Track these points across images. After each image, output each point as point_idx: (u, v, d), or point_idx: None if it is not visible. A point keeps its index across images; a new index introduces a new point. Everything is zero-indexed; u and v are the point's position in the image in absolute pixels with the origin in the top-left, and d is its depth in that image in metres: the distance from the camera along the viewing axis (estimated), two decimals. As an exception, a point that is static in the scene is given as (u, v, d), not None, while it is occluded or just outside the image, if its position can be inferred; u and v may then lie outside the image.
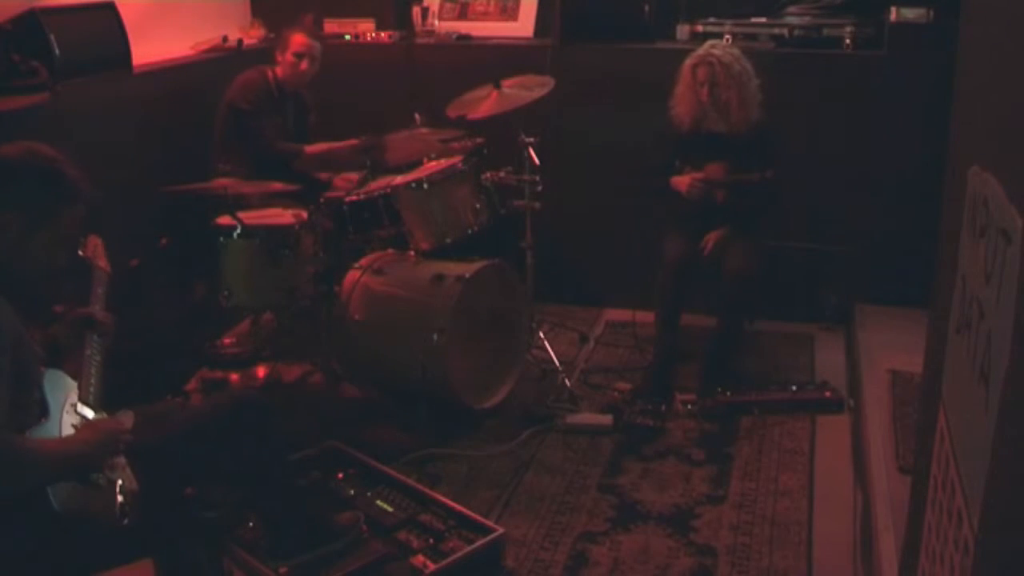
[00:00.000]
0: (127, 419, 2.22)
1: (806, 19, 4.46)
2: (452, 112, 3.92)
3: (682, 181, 3.89)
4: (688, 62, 3.91)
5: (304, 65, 4.15)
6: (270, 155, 4.08)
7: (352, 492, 2.99)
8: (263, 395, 3.53)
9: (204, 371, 3.97)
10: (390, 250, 3.91)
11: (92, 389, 2.24)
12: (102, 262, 2.53)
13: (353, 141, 4.06)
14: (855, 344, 4.12)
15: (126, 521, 2.07)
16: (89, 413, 2.20)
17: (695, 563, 2.82)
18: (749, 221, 3.89)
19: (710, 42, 3.98)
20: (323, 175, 4.28)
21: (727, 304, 3.91)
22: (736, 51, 3.92)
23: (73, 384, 2.22)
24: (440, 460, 3.39)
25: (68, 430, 2.12)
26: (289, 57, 4.15)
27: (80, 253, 2.50)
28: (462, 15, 5.05)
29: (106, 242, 2.64)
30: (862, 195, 4.29)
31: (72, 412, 2.16)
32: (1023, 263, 1.09)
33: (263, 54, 4.34)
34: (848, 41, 4.29)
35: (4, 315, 2.02)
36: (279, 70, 4.19)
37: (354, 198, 3.73)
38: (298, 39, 4.14)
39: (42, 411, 2.10)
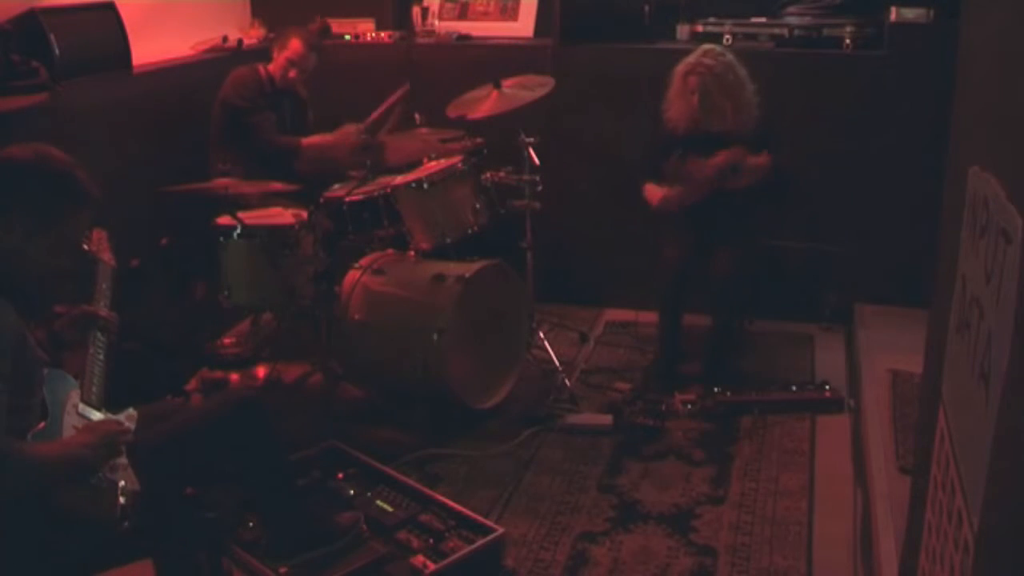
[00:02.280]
0: (130, 420, 2.21)
1: (806, 19, 4.46)
2: (452, 112, 3.92)
3: (654, 195, 3.84)
4: (680, 68, 3.84)
5: (292, 73, 4.19)
6: (268, 150, 4.08)
7: (352, 492, 2.99)
8: (263, 395, 3.54)
9: (204, 371, 3.98)
10: (390, 250, 3.91)
11: (95, 389, 2.23)
12: (106, 256, 2.51)
13: (349, 127, 4.07)
14: (855, 344, 4.12)
15: (126, 523, 2.07)
16: (92, 414, 2.19)
17: (695, 563, 2.82)
18: (744, 224, 3.87)
19: (704, 48, 3.91)
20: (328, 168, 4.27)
21: (717, 305, 3.92)
22: (729, 57, 3.85)
23: (75, 384, 2.22)
24: (440, 460, 3.39)
25: (69, 431, 2.11)
26: (281, 60, 4.18)
27: (84, 247, 2.49)
28: (462, 15, 5.05)
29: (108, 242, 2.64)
30: (862, 195, 4.29)
31: (74, 413, 2.15)
32: (1023, 263, 1.09)
33: (263, 54, 4.34)
34: (848, 41, 4.29)
35: (4, 318, 2.02)
36: (271, 66, 4.20)
37: (354, 198, 3.73)
38: (295, 46, 4.15)
39: (43, 413, 2.10)
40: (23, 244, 2.07)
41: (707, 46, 3.94)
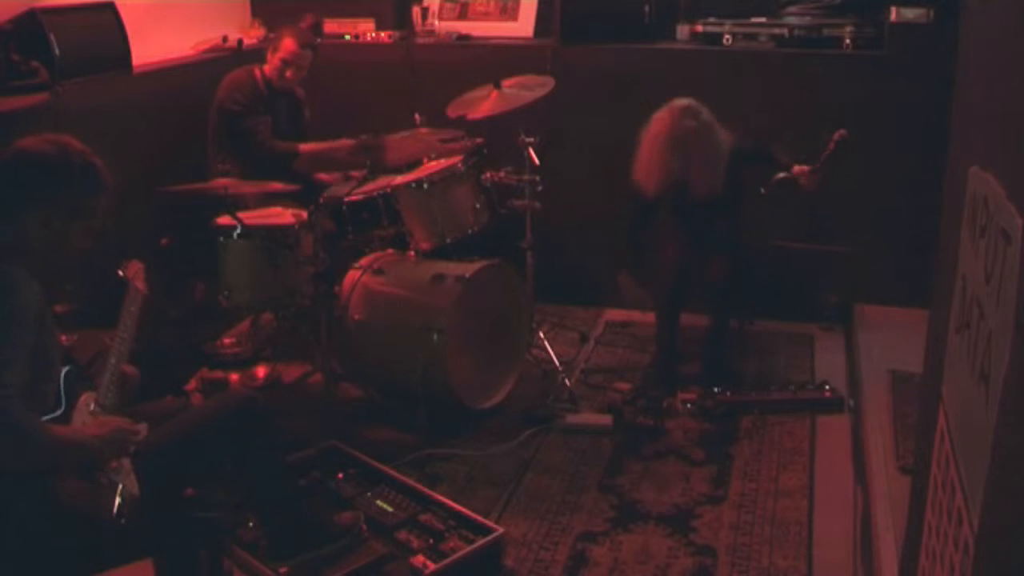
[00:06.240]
0: (143, 429, 2.22)
1: (806, 19, 4.47)
2: (452, 112, 3.92)
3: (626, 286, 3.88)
4: (655, 128, 3.68)
5: (289, 73, 4.16)
6: (263, 154, 4.07)
7: (352, 492, 2.99)
8: (263, 395, 3.54)
9: (204, 371, 3.98)
10: (390, 250, 3.91)
11: (110, 395, 2.25)
12: (140, 284, 2.57)
13: (347, 141, 4.07)
14: (855, 344, 4.12)
15: (123, 521, 2.08)
16: (105, 417, 2.20)
17: (695, 563, 2.82)
18: (731, 229, 3.88)
19: (679, 105, 3.68)
20: (322, 175, 4.27)
21: (713, 304, 3.93)
22: (706, 115, 3.67)
23: (92, 386, 2.24)
24: (440, 460, 3.39)
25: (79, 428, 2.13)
26: (276, 61, 4.15)
27: (120, 273, 2.57)
28: (462, 15, 5.05)
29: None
30: (862, 195, 4.29)
31: (85, 412, 2.17)
32: (1023, 263, 1.09)
33: (263, 54, 4.34)
34: (848, 41, 4.29)
35: (33, 292, 2.06)
36: (267, 68, 4.19)
37: (354, 198, 3.73)
38: (288, 45, 4.13)
39: (56, 404, 2.13)
40: (59, 234, 2.15)
41: (682, 103, 3.71)
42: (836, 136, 3.73)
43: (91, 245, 2.24)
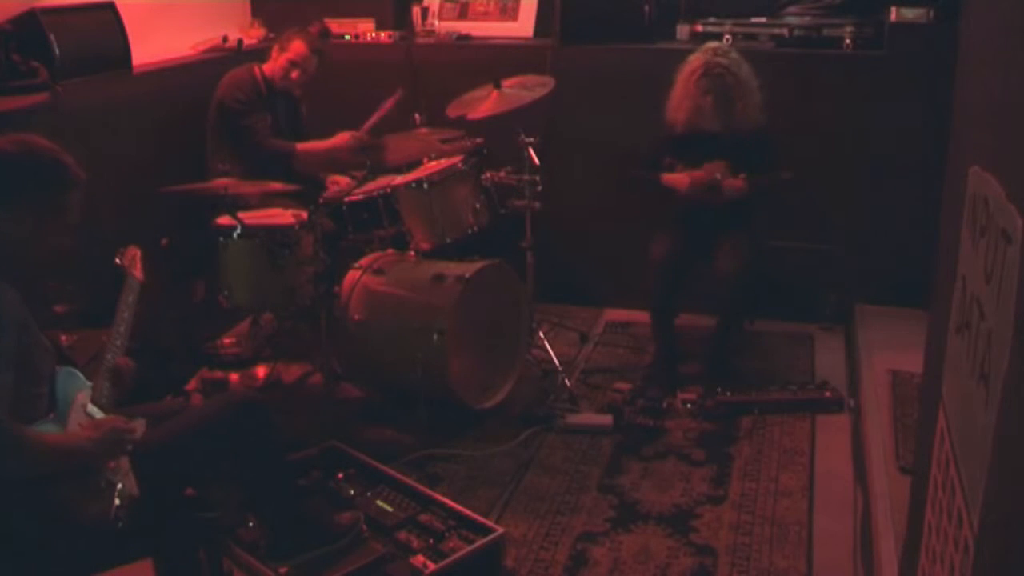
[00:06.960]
0: (139, 426, 2.22)
1: (806, 19, 4.47)
2: (452, 112, 3.92)
3: (680, 179, 3.86)
4: (690, 67, 3.84)
5: (295, 74, 4.16)
6: (262, 153, 4.08)
7: (352, 492, 2.99)
8: (263, 395, 3.54)
9: (204, 371, 3.97)
10: (390, 250, 3.91)
11: (106, 392, 2.25)
12: (137, 272, 2.55)
13: (344, 136, 4.06)
14: (855, 344, 4.12)
15: (120, 525, 2.08)
16: (100, 415, 2.20)
17: (695, 563, 2.82)
18: (741, 220, 3.87)
19: (712, 46, 3.91)
20: (322, 175, 4.27)
21: (721, 304, 3.92)
22: (736, 55, 3.87)
23: (87, 384, 2.24)
24: (440, 460, 3.39)
25: (74, 428, 2.13)
26: (283, 61, 4.15)
27: (117, 261, 2.55)
28: (462, 15, 5.06)
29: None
30: (862, 195, 4.29)
31: (81, 412, 2.16)
32: (1023, 263, 1.09)
33: (263, 54, 4.34)
34: (848, 41, 4.29)
35: (10, 299, 2.04)
36: (268, 67, 4.19)
37: (354, 198, 3.73)
38: (298, 47, 4.13)
39: (50, 406, 2.12)
40: (32, 235, 2.12)
41: (713, 44, 3.95)
42: (784, 175, 3.75)
43: (68, 243, 2.21)
